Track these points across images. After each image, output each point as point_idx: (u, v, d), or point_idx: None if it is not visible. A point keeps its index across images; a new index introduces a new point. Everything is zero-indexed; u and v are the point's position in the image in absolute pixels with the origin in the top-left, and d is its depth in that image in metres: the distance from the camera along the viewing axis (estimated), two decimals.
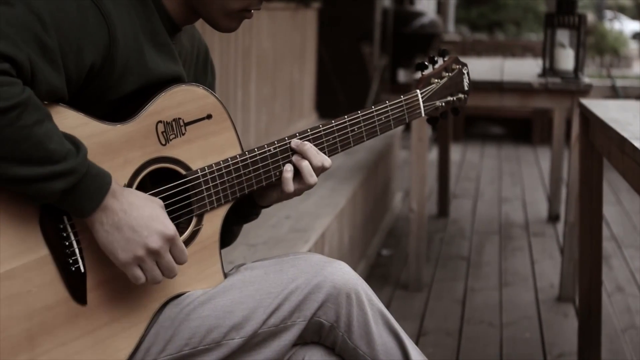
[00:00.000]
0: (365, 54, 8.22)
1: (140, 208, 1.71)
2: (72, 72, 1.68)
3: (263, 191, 2.02)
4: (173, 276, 1.76)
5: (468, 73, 2.29)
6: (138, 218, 1.70)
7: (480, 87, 4.53)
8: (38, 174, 1.58)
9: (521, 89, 4.60)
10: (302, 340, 1.91)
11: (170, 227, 1.73)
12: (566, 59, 4.75)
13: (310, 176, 1.98)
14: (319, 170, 1.99)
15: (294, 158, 1.98)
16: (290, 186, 1.97)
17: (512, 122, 10.33)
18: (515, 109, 9.67)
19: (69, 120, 1.69)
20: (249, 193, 1.97)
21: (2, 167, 1.56)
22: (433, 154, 7.43)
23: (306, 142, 1.98)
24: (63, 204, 1.66)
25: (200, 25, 2.02)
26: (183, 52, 2.00)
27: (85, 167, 1.63)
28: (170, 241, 1.73)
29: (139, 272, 1.72)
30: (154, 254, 1.72)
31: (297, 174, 1.98)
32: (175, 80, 1.86)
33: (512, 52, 10.36)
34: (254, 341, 1.85)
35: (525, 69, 5.49)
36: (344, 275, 1.87)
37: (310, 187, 1.99)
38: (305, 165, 1.97)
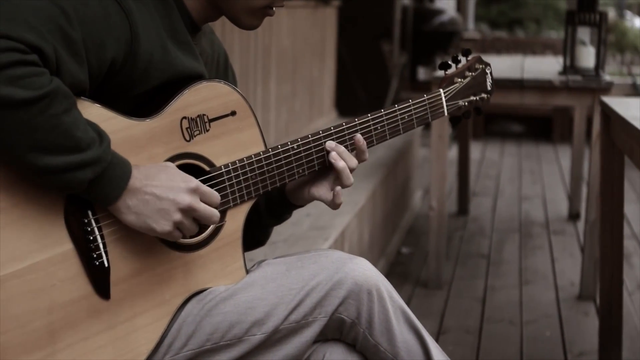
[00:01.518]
0: (385, 52, 8.21)
1: (157, 175, 1.72)
2: (93, 66, 1.69)
3: (295, 190, 2.04)
4: (216, 220, 1.78)
5: (491, 73, 2.29)
6: (159, 186, 1.72)
7: (501, 84, 4.52)
8: (67, 162, 1.59)
9: (542, 86, 4.59)
10: (323, 337, 1.91)
11: (190, 179, 1.75)
12: (587, 57, 4.73)
13: (348, 178, 1.99)
14: (353, 170, 2.01)
15: (332, 159, 1.98)
16: (350, 179, 2.00)
17: (532, 120, 10.30)
18: (535, 107, 9.64)
19: (94, 115, 1.70)
20: (274, 190, 1.98)
21: (33, 156, 1.57)
22: (453, 152, 7.42)
23: (340, 146, 2.00)
24: (89, 194, 1.67)
25: (219, 25, 2.03)
26: (204, 55, 2.01)
27: (109, 155, 1.65)
28: (196, 191, 1.75)
29: (179, 233, 1.75)
30: (188, 210, 1.74)
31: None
32: (198, 77, 1.87)
33: (532, 50, 10.33)
34: (275, 337, 1.85)
35: (545, 66, 5.47)
36: (365, 272, 1.87)
37: (347, 186, 2.01)
38: (342, 168, 1.98)
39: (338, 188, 2.00)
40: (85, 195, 1.67)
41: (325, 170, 2.01)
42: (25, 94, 1.53)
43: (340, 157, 1.98)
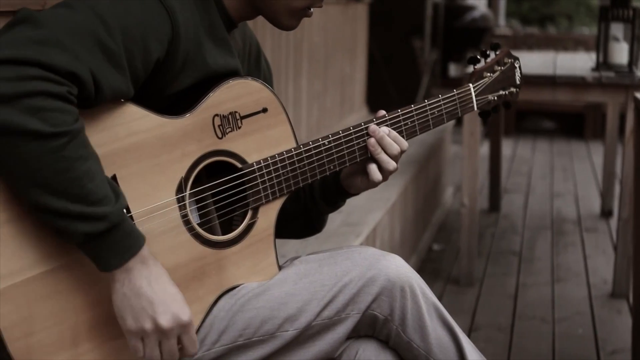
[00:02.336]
0: (416, 49, 8.19)
1: (166, 283, 1.67)
2: (140, 71, 1.69)
3: (349, 178, 2.04)
4: None
5: (520, 67, 2.28)
6: (159, 293, 1.65)
7: (533, 81, 4.50)
8: (68, 210, 1.55)
9: (574, 83, 4.56)
10: (356, 334, 1.91)
11: (187, 314, 1.67)
12: (620, 53, 4.70)
13: (389, 163, 1.99)
14: (397, 157, 2.01)
15: (370, 146, 1.99)
16: (378, 176, 1.99)
17: (564, 117, 10.23)
18: (567, 104, 9.58)
19: (128, 113, 1.71)
20: (328, 178, 2.03)
21: (36, 193, 1.54)
22: (484, 149, 7.39)
23: (381, 130, 2.00)
24: (86, 250, 1.61)
25: (251, 22, 2.03)
26: (236, 47, 2.01)
27: (118, 219, 1.60)
28: (182, 328, 1.67)
29: (139, 345, 1.66)
30: (160, 332, 1.65)
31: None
32: (232, 74, 1.87)
33: (564, 46, 10.26)
34: (308, 333, 1.85)
35: (578, 63, 5.45)
36: (398, 269, 1.87)
37: (391, 172, 2.01)
38: (381, 156, 1.99)
39: (373, 166, 1.99)
40: (83, 250, 1.62)
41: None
42: (40, 126, 1.50)
43: (379, 143, 1.99)
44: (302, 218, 2.12)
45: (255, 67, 2.12)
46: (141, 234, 1.64)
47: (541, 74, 4.61)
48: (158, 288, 1.65)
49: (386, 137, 1.99)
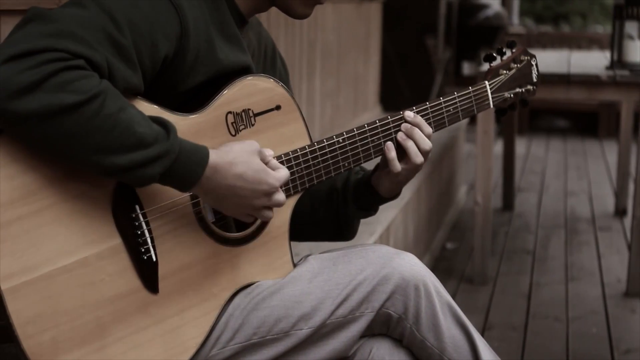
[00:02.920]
0: (430, 47, 8.18)
1: (246, 175, 1.74)
2: (147, 67, 1.70)
3: (378, 175, 2.04)
4: (283, 204, 1.82)
5: (537, 64, 2.28)
6: (244, 187, 1.74)
7: (547, 79, 4.48)
8: (133, 160, 1.60)
9: (589, 81, 4.55)
10: (370, 332, 1.91)
11: (274, 184, 1.77)
12: (635, 51, 4.69)
13: (416, 156, 1.99)
14: (425, 152, 2.00)
15: (399, 137, 1.99)
16: (396, 167, 1.98)
17: (578, 115, 10.21)
18: (581, 102, 9.56)
19: (142, 110, 1.71)
20: (360, 182, 2.06)
21: (98, 158, 1.58)
22: (498, 147, 7.38)
23: (416, 116, 2.01)
24: (165, 183, 1.68)
25: (264, 19, 2.03)
26: (250, 47, 2.01)
27: (177, 146, 1.65)
28: (273, 192, 1.78)
29: (249, 218, 1.82)
30: (260, 207, 1.79)
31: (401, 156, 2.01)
32: (244, 70, 1.87)
33: (578, 45, 10.24)
34: (322, 332, 1.85)
35: (592, 61, 5.43)
36: (413, 267, 1.87)
37: (417, 166, 2.00)
38: (410, 145, 1.99)
39: (393, 154, 1.99)
40: (163, 184, 1.69)
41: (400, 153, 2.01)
42: (75, 97, 1.54)
43: (406, 134, 1.99)
44: (333, 223, 2.12)
45: (271, 67, 2.12)
46: (202, 146, 1.71)
47: (555, 73, 4.60)
48: (240, 184, 1.74)
49: (421, 127, 2.00)
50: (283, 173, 1.79)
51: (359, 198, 2.07)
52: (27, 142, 1.58)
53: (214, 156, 1.70)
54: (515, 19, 13.62)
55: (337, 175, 1.97)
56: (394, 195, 2.08)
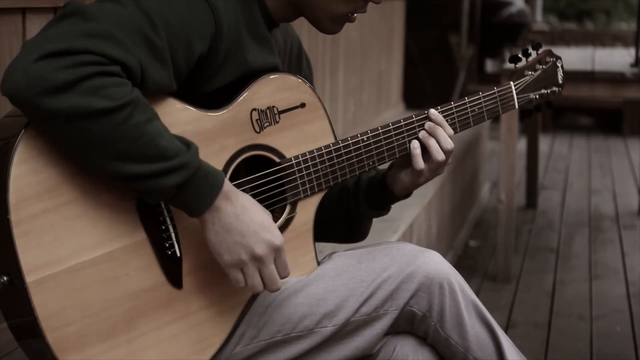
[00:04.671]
0: (453, 44, 8.16)
1: (253, 213, 1.71)
2: (182, 67, 1.70)
3: (394, 173, 2.03)
4: (276, 289, 1.75)
5: (562, 66, 2.27)
6: (249, 223, 1.70)
7: (571, 77, 4.44)
8: (152, 170, 1.59)
9: (613, 79, 4.53)
10: (394, 330, 1.91)
11: (278, 238, 1.73)
12: None
13: (438, 153, 1.98)
14: (447, 152, 1.99)
15: (421, 135, 1.99)
16: (420, 163, 1.97)
17: (602, 113, 10.17)
18: (605, 100, 9.51)
19: (166, 106, 1.72)
20: (373, 181, 2.04)
21: (118, 165, 1.58)
22: (521, 145, 7.36)
23: (439, 115, 2.00)
24: (177, 202, 1.66)
25: None
26: (277, 46, 2.01)
27: (197, 163, 1.64)
28: (276, 252, 1.73)
29: (240, 276, 1.72)
30: (257, 260, 1.71)
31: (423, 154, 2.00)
32: (271, 70, 1.87)
33: (602, 42, 10.20)
34: (346, 329, 1.85)
35: (616, 58, 5.41)
36: (437, 265, 1.87)
37: (439, 165, 1.99)
38: (432, 142, 1.98)
39: (418, 151, 1.98)
40: (174, 203, 1.67)
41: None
42: (106, 103, 1.54)
43: (429, 132, 1.99)
44: (344, 222, 2.11)
45: (297, 66, 2.12)
46: (218, 170, 1.69)
47: (579, 70, 4.59)
48: (247, 219, 1.70)
49: (444, 126, 2.00)
50: (281, 236, 1.75)
51: (370, 196, 2.07)
52: (51, 139, 1.59)
53: (227, 184, 1.70)
54: (539, 16, 13.58)
55: (361, 173, 1.97)
56: (408, 194, 2.08)
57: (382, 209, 2.09)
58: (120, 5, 1.62)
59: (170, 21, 1.66)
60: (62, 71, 1.52)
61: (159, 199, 1.66)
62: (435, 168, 2.00)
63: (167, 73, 1.67)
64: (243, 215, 1.70)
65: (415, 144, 1.98)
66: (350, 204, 2.08)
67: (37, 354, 1.65)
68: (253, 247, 1.70)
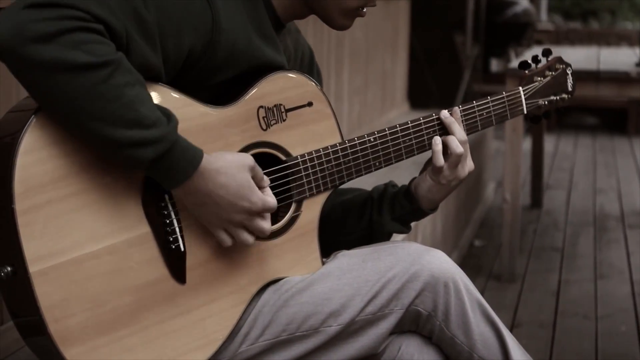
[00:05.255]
0: (458, 44, 8.16)
1: (228, 186, 1.70)
2: (170, 53, 1.70)
3: (416, 181, 2.03)
4: (266, 234, 1.77)
5: (572, 73, 2.27)
6: (225, 196, 1.70)
7: (576, 76, 4.46)
8: (128, 137, 1.58)
9: (618, 78, 4.53)
10: (399, 329, 1.91)
11: (256, 203, 1.73)
12: None
13: (457, 147, 1.98)
14: (464, 143, 1.99)
15: (443, 117, 2.01)
16: (440, 160, 1.97)
17: (607, 112, 10.16)
18: (610, 99, 9.51)
19: (171, 101, 1.72)
20: (397, 195, 2.04)
21: (96, 127, 1.56)
22: (526, 144, 7.35)
23: (456, 112, 2.02)
24: (150, 172, 1.66)
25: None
26: (287, 52, 2.01)
27: (174, 137, 1.63)
28: (256, 213, 1.74)
29: (224, 235, 1.75)
30: (238, 224, 1.74)
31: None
32: (278, 68, 1.87)
33: (607, 41, 10.19)
34: (352, 329, 1.85)
35: (621, 58, 5.40)
36: (442, 264, 1.87)
37: (458, 157, 1.98)
38: (450, 138, 1.98)
39: (439, 148, 1.98)
40: (149, 174, 1.67)
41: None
42: (87, 58, 1.53)
43: (449, 128, 2.00)
44: (364, 234, 2.09)
45: (308, 74, 2.11)
46: (196, 147, 1.67)
47: (584, 69, 4.58)
48: (221, 193, 1.70)
49: (459, 122, 2.01)
50: (270, 200, 1.75)
51: (395, 206, 2.06)
52: (33, 93, 1.58)
53: (205, 160, 1.68)
54: (544, 15, 13.58)
55: (367, 174, 1.97)
56: (432, 207, 2.06)
57: (404, 223, 2.08)
58: None
59: (163, 3, 1.67)
60: (44, 22, 1.51)
61: (134, 169, 1.65)
62: (454, 163, 1.98)
63: (154, 52, 1.66)
64: (217, 191, 1.70)
65: (437, 140, 1.99)
66: (374, 214, 2.06)
67: (40, 346, 1.65)
68: (230, 216, 1.72)
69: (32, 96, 1.59)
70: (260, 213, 1.74)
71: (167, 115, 1.64)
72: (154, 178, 1.67)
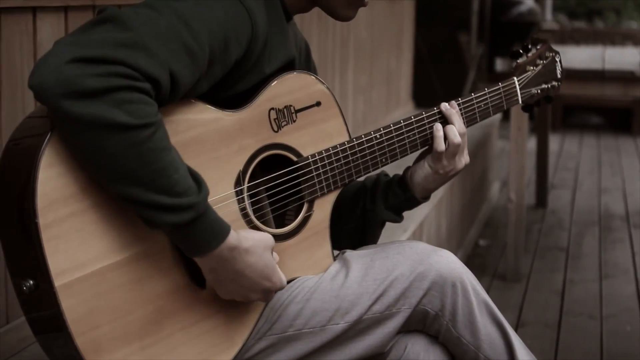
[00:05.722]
0: (463, 43, 8.15)
1: (253, 268, 1.70)
2: (218, 72, 1.69)
3: (412, 168, 2.04)
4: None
5: (560, 60, 2.30)
6: (250, 277, 1.70)
7: (581, 76, 4.47)
8: (155, 201, 1.56)
9: (623, 77, 4.53)
10: (406, 328, 1.91)
11: (276, 284, 1.74)
12: None
13: (455, 137, 1.99)
14: (462, 135, 2.00)
15: (443, 107, 2.02)
16: (441, 144, 1.98)
17: (612, 112, 10.15)
18: (614, 98, 9.50)
19: (186, 106, 1.72)
20: (391, 184, 2.04)
21: (124, 185, 1.55)
22: (531, 144, 7.35)
23: (455, 105, 2.03)
24: (174, 238, 1.64)
25: (298, 16, 2.04)
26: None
27: (204, 208, 1.61)
28: (271, 292, 1.75)
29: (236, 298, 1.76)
30: (255, 297, 1.75)
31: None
32: (290, 63, 1.87)
33: (612, 41, 10.17)
34: (359, 327, 1.86)
35: (626, 57, 5.40)
36: (450, 264, 1.87)
37: (456, 147, 1.99)
38: (449, 127, 2.00)
39: (440, 134, 1.99)
40: (171, 237, 1.65)
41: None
42: (128, 119, 1.51)
43: (449, 119, 2.01)
44: (356, 224, 2.09)
45: (306, 66, 2.12)
46: (225, 222, 1.66)
47: (589, 69, 4.58)
48: (248, 273, 1.70)
49: (459, 113, 2.02)
50: (284, 279, 1.76)
51: (388, 194, 2.06)
52: (66, 140, 1.56)
53: (234, 239, 1.66)
54: (549, 14, 13.56)
55: (374, 170, 1.98)
56: (425, 196, 2.07)
57: (397, 212, 2.08)
58: (156, 13, 1.59)
59: (209, 27, 1.64)
60: (93, 78, 1.49)
61: (155, 228, 1.63)
62: (453, 153, 1.99)
63: (203, 79, 1.66)
64: (243, 270, 1.69)
65: (438, 127, 2.00)
66: (367, 202, 2.07)
67: (65, 358, 1.64)
68: (249, 294, 1.73)
69: (66, 143, 1.57)
70: (277, 291, 1.76)
71: (198, 184, 1.63)
72: (177, 243, 1.66)
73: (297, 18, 2.10)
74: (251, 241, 1.69)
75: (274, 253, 1.75)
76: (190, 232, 1.61)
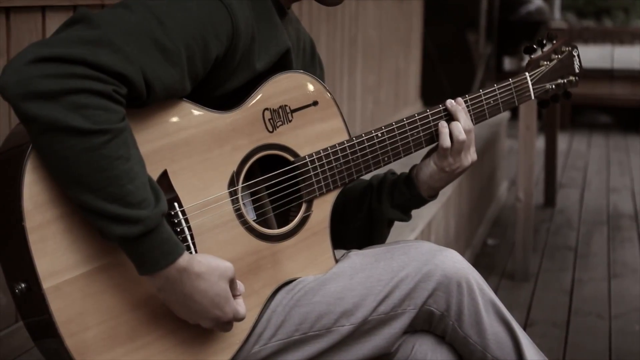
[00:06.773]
0: (471, 42, 8.14)
1: (203, 294, 1.66)
2: (199, 69, 1.68)
3: (418, 167, 2.03)
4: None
5: (578, 55, 2.27)
6: (198, 302, 1.66)
7: (589, 75, 4.46)
8: (104, 209, 1.53)
9: (632, 76, 4.53)
10: (412, 329, 1.90)
11: (227, 314, 1.69)
12: None
13: (460, 133, 1.97)
14: (469, 132, 1.99)
15: (448, 104, 2.01)
16: (447, 141, 1.97)
17: (621, 111, 10.11)
18: (623, 98, 9.46)
19: (177, 108, 1.71)
20: (397, 182, 2.03)
21: (76, 190, 1.53)
22: (539, 143, 7.34)
23: (461, 102, 2.02)
24: (124, 251, 1.60)
25: (306, 15, 2.04)
26: (290, 41, 2.01)
27: (155, 224, 1.57)
28: (224, 322, 1.71)
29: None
30: (207, 325, 1.71)
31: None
32: (282, 59, 1.86)
33: (620, 40, 10.14)
34: (364, 328, 1.85)
35: (635, 56, 5.41)
36: (455, 264, 1.86)
37: (460, 144, 1.98)
38: (454, 124, 1.98)
39: (445, 131, 1.98)
40: (124, 251, 1.60)
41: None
42: (81, 123, 1.50)
43: (455, 115, 1.99)
44: (362, 223, 2.09)
45: (311, 63, 2.12)
46: (180, 243, 1.63)
47: (598, 68, 4.58)
48: (198, 298, 1.65)
49: (465, 110, 2.01)
50: (241, 311, 1.71)
51: (394, 193, 2.05)
52: (31, 142, 1.56)
53: (185, 261, 1.62)
54: (557, 13, 13.53)
55: (377, 169, 1.97)
56: (432, 194, 2.06)
57: (404, 211, 2.07)
58: (130, 11, 1.59)
59: (185, 23, 1.64)
60: (50, 79, 1.48)
61: (106, 239, 1.60)
62: (458, 150, 1.98)
63: (180, 76, 1.64)
64: (192, 295, 1.65)
65: (444, 124, 1.98)
66: (373, 201, 2.06)
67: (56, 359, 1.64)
68: (200, 319, 1.69)
69: (32, 144, 1.56)
70: (229, 322, 1.72)
71: (157, 197, 1.59)
72: (127, 256, 1.61)
73: (305, 18, 2.10)
74: (205, 267, 1.65)
75: (238, 283, 1.71)
76: (138, 248, 1.58)
